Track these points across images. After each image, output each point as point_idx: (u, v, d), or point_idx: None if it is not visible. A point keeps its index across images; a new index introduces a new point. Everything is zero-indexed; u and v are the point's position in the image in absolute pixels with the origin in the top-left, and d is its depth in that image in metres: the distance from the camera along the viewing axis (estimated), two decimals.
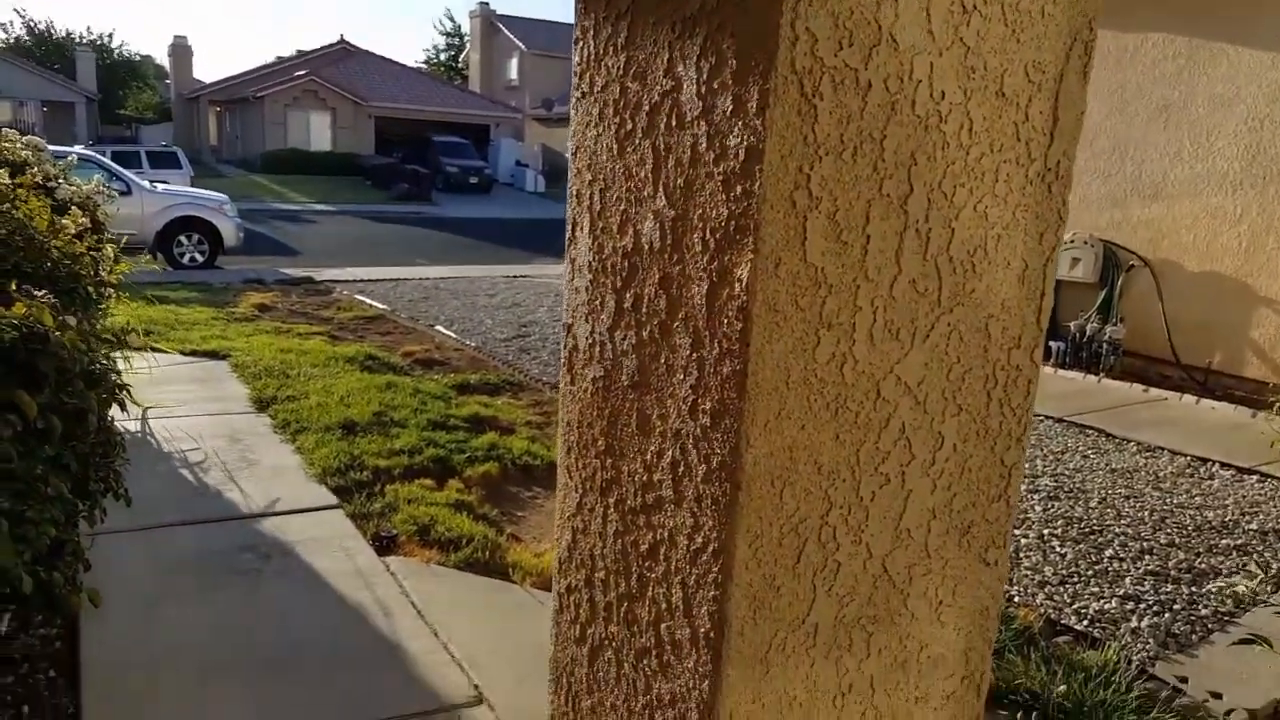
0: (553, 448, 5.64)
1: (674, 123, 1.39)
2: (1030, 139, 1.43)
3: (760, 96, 1.23)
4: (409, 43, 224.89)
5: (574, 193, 1.68)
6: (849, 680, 1.50)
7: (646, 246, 1.48)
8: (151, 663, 3.12)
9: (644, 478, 1.51)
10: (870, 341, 1.36)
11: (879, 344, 1.37)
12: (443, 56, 58.80)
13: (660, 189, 1.44)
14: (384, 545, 4.08)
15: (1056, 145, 1.45)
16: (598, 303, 1.62)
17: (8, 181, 3.93)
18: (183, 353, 7.61)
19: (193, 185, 18.98)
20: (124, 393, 3.69)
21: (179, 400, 6.13)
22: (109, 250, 5.04)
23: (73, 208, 4.95)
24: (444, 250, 18.80)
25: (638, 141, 1.49)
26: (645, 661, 1.54)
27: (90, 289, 4.29)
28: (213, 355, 7.63)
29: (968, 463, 1.51)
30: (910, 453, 1.45)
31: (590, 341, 1.66)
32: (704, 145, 1.34)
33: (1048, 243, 1.49)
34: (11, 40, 51.16)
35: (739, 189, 1.28)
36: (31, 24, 57.79)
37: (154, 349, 7.09)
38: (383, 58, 42.98)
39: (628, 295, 1.53)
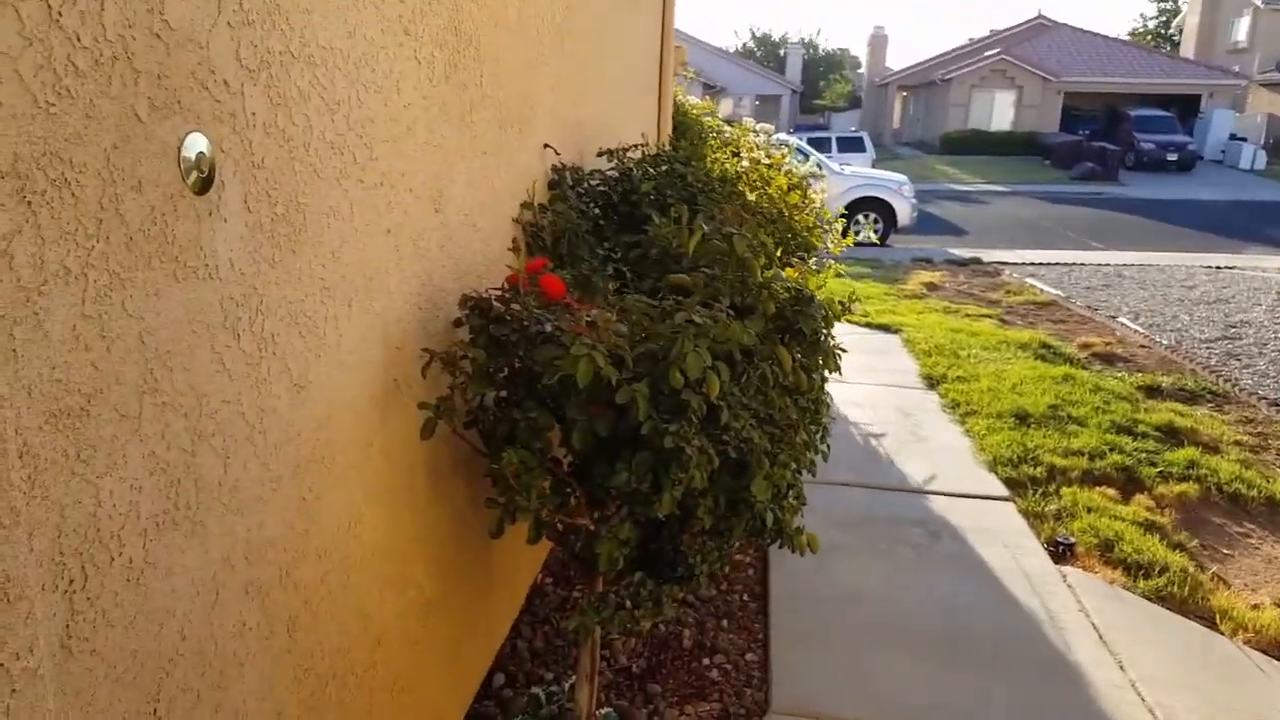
0: (1274, 479, 4.63)
1: None
2: None
3: None
4: (1118, 12, 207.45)
5: None
6: None
7: None
8: (824, 609, 3.29)
9: None
10: None
11: None
12: (1151, 24, 53.00)
13: None
14: (1059, 552, 3.72)
15: None
16: None
17: (765, 163, 4.41)
18: (856, 324, 7.98)
19: (874, 167, 19.94)
20: (838, 356, 3.91)
21: (853, 369, 6.42)
22: (837, 225, 5.39)
23: (792, 188, 5.39)
24: (1128, 235, 16.94)
25: None
26: None
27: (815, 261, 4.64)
28: (884, 329, 7.89)
29: None
30: None
31: None
32: None
33: None
34: (740, 46, 59.44)
35: None
36: (755, 31, 66.50)
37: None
38: (1080, 30, 40.17)
39: None
